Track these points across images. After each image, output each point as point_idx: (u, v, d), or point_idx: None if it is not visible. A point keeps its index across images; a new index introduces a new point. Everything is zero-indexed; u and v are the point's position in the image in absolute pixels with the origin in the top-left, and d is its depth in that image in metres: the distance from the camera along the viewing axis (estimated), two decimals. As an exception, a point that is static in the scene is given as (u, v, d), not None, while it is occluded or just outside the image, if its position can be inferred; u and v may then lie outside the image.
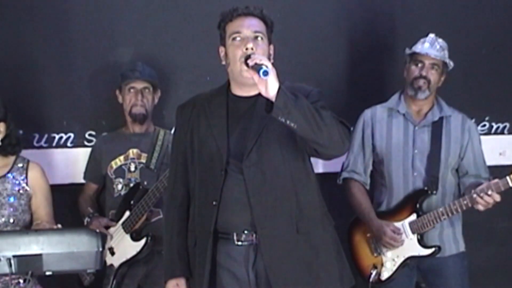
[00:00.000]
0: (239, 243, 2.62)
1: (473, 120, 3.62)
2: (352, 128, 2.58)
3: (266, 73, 2.39)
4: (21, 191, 3.08)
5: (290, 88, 2.55)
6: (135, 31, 3.85)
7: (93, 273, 3.37)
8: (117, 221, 3.52)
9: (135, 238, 3.49)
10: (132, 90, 3.59)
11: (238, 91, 2.68)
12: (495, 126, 4.26)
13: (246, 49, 2.55)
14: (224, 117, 2.66)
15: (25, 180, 3.11)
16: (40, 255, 2.47)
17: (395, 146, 3.45)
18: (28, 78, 3.74)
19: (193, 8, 3.89)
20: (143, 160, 3.60)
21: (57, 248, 2.48)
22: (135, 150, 3.61)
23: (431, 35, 3.48)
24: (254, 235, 2.60)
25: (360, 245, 3.51)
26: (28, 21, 3.71)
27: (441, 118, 3.46)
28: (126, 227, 3.49)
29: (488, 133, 4.25)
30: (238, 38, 2.59)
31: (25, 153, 3.37)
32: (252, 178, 2.59)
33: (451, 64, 3.47)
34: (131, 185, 3.56)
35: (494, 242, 4.16)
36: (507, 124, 4.26)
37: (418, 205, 3.38)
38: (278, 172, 2.62)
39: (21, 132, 3.69)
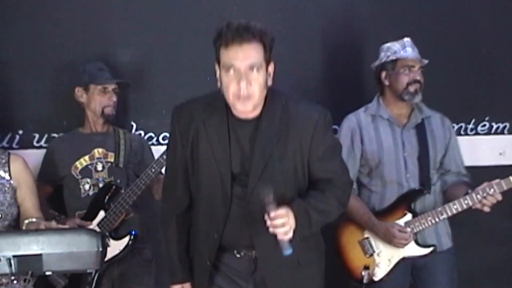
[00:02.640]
0: (238, 255, 2.64)
1: (450, 120, 3.63)
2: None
3: (290, 251, 2.44)
4: (5, 185, 3.07)
5: (293, 112, 2.56)
6: (134, 31, 3.85)
7: (66, 276, 3.32)
8: (90, 221, 3.46)
9: (115, 237, 3.47)
10: (104, 91, 3.57)
11: (237, 113, 2.57)
12: (495, 126, 4.26)
13: (240, 89, 2.45)
14: (226, 142, 2.57)
15: (8, 173, 3.09)
16: (40, 255, 2.46)
17: (387, 150, 3.45)
18: (28, 78, 3.73)
19: (193, 8, 3.88)
20: (111, 159, 3.56)
21: (57, 248, 2.47)
22: (100, 150, 3.58)
23: (407, 39, 3.50)
24: (253, 251, 2.61)
25: (350, 246, 3.47)
26: (26, 22, 3.71)
27: (422, 119, 3.50)
28: (104, 227, 3.44)
29: (488, 133, 4.25)
30: (231, 71, 2.47)
31: (25, 153, 3.38)
32: (254, 206, 2.53)
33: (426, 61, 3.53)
34: (100, 184, 3.53)
35: (494, 242, 4.16)
36: (507, 124, 4.26)
37: (413, 205, 3.39)
38: (280, 201, 2.53)
39: (21, 132, 3.71)
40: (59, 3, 3.79)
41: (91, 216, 3.47)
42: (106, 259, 3.36)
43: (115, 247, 3.45)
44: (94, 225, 3.45)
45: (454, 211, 3.32)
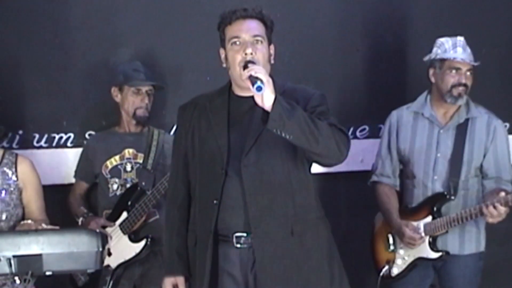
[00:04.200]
0: (238, 245, 2.62)
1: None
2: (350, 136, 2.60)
3: (260, 89, 2.39)
4: (12, 186, 3.08)
5: (292, 91, 2.61)
6: (135, 31, 3.85)
7: (87, 273, 3.36)
8: (114, 221, 3.50)
9: (134, 239, 3.48)
10: (137, 92, 3.57)
11: (239, 91, 2.68)
12: (495, 126, 4.25)
13: (245, 54, 2.56)
14: (225, 116, 2.66)
15: (15, 174, 3.10)
16: (40, 255, 2.47)
17: (418, 149, 3.44)
18: (28, 78, 3.74)
19: (193, 8, 3.89)
20: (140, 160, 3.58)
21: (57, 248, 2.48)
22: (131, 150, 3.60)
23: (461, 39, 3.42)
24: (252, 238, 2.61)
25: (379, 240, 3.55)
26: (27, 22, 3.71)
27: (467, 120, 3.43)
28: (124, 228, 3.47)
29: (488, 133, 4.24)
30: (237, 43, 2.59)
31: (25, 153, 3.38)
32: (249, 177, 2.59)
33: (477, 63, 3.45)
34: (128, 185, 3.55)
35: (494, 242, 4.15)
36: (507, 124, 4.25)
37: (435, 208, 3.36)
38: (276, 173, 2.62)
39: (21, 132, 3.71)
40: (62, 3, 3.79)
41: (115, 216, 3.50)
42: (122, 260, 3.45)
43: (132, 249, 3.47)
44: (116, 225, 3.48)
45: (464, 220, 3.27)
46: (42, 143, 3.75)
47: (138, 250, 3.46)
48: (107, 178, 3.57)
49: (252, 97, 2.56)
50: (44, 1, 3.76)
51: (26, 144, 3.71)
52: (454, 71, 3.38)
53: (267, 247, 2.59)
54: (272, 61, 2.67)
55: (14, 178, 3.09)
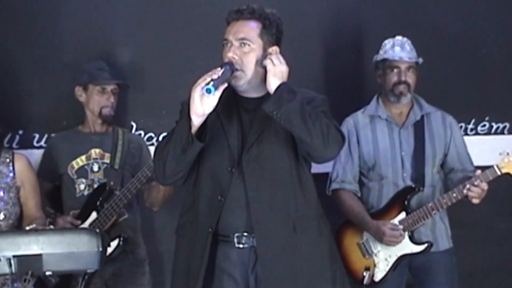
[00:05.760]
0: (240, 245, 2.61)
1: (455, 116, 3.63)
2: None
3: (209, 91, 2.43)
4: (10, 184, 3.08)
5: (297, 90, 2.60)
6: (134, 31, 3.85)
7: (57, 275, 3.30)
8: (83, 221, 3.45)
9: None
10: (102, 91, 3.54)
11: (242, 93, 2.66)
12: (495, 126, 4.25)
13: (228, 58, 2.57)
14: (234, 116, 2.64)
15: (13, 172, 3.10)
16: (40, 255, 2.47)
17: (382, 151, 3.46)
18: (28, 78, 3.74)
19: (193, 8, 3.89)
20: (107, 160, 3.55)
21: (57, 248, 2.48)
22: (97, 150, 3.57)
23: (399, 37, 3.48)
24: (254, 238, 2.59)
25: (350, 248, 3.48)
26: (26, 22, 3.72)
27: (422, 117, 3.50)
28: (95, 228, 3.43)
29: (488, 133, 4.24)
30: (228, 45, 2.61)
31: (25, 153, 3.38)
32: (250, 173, 2.59)
33: (420, 60, 3.50)
34: (95, 185, 3.52)
35: (494, 242, 4.15)
36: (507, 124, 4.26)
37: (406, 203, 3.39)
38: (278, 169, 2.62)
39: (21, 132, 3.71)
40: (60, 2, 3.80)
41: (84, 217, 3.46)
42: None
43: None
44: (86, 225, 3.44)
45: (444, 206, 3.33)
46: (42, 143, 3.76)
47: (110, 250, 3.42)
48: (74, 179, 3.53)
49: (256, 98, 2.60)
50: (43, 1, 3.77)
51: (26, 144, 3.72)
52: (394, 70, 3.43)
53: (270, 245, 2.58)
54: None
55: (12, 176, 3.09)
